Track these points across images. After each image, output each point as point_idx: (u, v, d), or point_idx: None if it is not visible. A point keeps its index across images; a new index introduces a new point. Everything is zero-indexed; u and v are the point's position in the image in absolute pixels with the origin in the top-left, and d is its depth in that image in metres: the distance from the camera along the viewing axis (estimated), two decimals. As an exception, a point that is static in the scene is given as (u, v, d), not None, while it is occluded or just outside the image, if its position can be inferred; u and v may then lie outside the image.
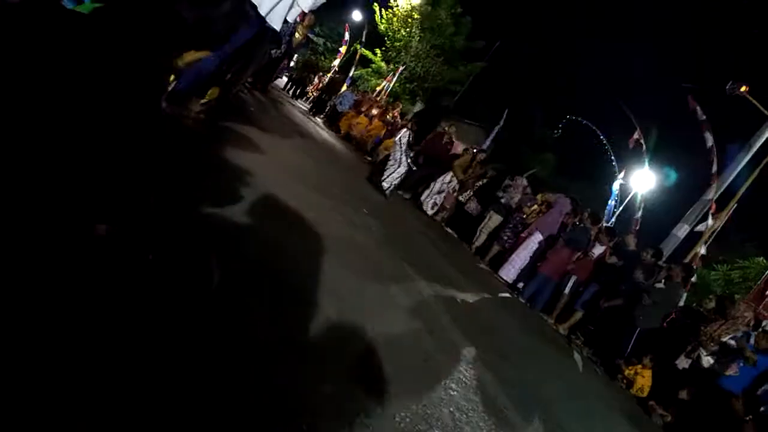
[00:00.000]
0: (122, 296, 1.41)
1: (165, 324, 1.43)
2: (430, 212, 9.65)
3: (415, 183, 9.91)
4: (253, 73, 7.57)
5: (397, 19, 25.47)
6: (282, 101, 13.52)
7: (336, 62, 24.66)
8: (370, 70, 26.94)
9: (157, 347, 1.33)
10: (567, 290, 7.54)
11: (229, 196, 2.82)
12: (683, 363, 6.29)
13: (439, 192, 9.79)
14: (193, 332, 1.50)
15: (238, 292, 1.90)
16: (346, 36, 24.63)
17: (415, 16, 24.95)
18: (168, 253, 1.81)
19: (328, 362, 1.87)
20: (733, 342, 6.13)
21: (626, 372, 6.32)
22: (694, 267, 9.60)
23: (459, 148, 11.02)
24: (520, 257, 8.21)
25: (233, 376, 1.43)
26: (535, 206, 8.95)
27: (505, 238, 8.67)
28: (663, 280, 6.97)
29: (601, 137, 21.67)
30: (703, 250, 10.71)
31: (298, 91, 18.20)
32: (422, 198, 9.82)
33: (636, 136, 16.17)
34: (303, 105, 16.20)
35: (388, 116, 13.50)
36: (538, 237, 8.30)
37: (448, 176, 9.79)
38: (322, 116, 15.76)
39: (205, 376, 1.35)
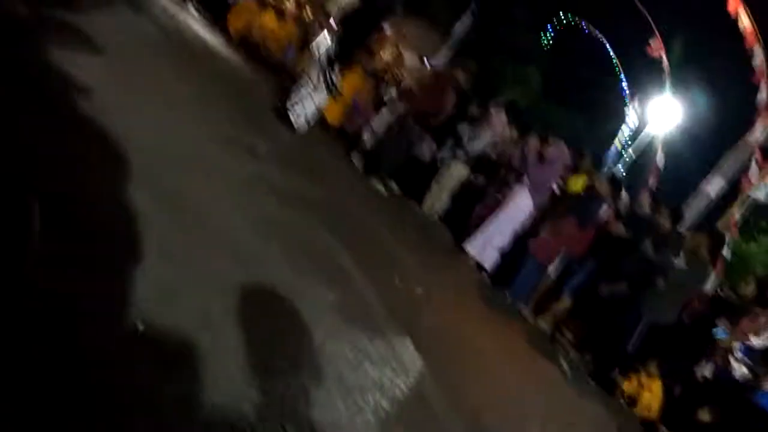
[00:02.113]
0: None
1: None
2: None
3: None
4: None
5: None
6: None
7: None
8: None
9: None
10: (553, 269, 7.51)
11: (54, 127, 2.72)
12: (705, 371, 6.52)
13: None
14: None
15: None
16: None
17: None
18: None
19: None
20: (769, 343, 6.38)
21: (626, 385, 6.51)
22: (727, 237, 9.96)
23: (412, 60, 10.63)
24: (501, 230, 7.72)
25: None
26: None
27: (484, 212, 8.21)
28: (683, 256, 7.03)
29: (608, 49, 22.07)
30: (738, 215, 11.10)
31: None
32: None
33: (655, 46, 16.43)
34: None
35: (305, 15, 13.14)
36: (527, 202, 7.85)
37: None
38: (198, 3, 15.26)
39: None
